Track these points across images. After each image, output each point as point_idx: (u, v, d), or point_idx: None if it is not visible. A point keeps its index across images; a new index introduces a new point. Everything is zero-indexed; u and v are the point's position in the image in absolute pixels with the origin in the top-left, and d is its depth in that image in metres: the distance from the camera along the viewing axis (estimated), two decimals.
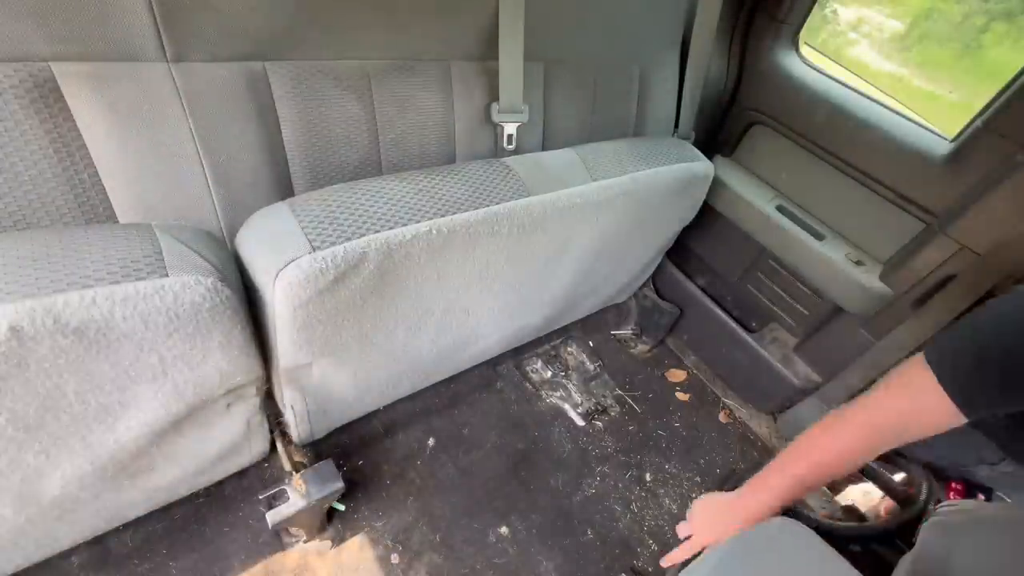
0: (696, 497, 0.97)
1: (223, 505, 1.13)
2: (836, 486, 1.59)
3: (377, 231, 0.78)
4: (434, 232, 0.83)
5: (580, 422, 1.50)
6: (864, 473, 1.31)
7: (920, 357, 0.73)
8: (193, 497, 1.10)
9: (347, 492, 1.09)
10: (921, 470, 1.09)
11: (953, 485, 1.15)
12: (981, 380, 0.68)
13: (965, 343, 0.70)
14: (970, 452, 1.11)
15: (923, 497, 1.04)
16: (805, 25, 1.32)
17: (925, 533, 0.77)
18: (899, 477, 1.19)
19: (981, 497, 1.12)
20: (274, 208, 0.78)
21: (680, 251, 1.65)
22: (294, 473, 1.02)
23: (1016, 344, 0.65)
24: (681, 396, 1.69)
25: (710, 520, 0.93)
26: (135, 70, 0.73)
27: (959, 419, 0.69)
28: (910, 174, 1.15)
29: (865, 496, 1.62)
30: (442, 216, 0.84)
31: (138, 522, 1.02)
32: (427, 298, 0.97)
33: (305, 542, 1.11)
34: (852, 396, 1.40)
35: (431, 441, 1.36)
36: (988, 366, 0.67)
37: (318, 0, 0.82)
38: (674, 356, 1.82)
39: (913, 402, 0.72)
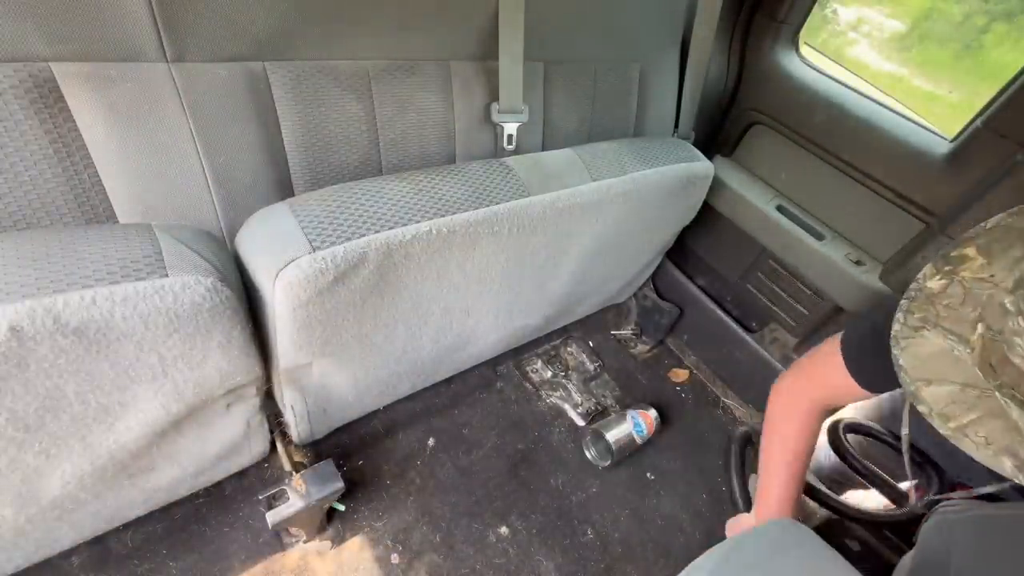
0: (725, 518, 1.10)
1: (223, 505, 1.13)
2: (836, 490, 1.59)
3: (377, 231, 0.78)
4: (434, 232, 0.83)
5: (580, 422, 1.50)
6: (867, 479, 1.29)
7: (836, 338, 0.81)
8: (193, 497, 1.10)
9: (347, 492, 1.09)
10: (929, 472, 1.09)
11: (955, 489, 1.14)
12: (875, 362, 0.73)
13: (866, 326, 0.77)
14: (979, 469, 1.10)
15: (931, 494, 1.04)
16: (805, 25, 1.32)
17: (925, 533, 0.77)
18: (904, 485, 1.19)
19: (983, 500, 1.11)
20: (274, 208, 0.77)
21: (680, 251, 1.65)
22: (294, 473, 1.02)
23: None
24: (681, 396, 1.69)
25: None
26: (135, 70, 0.73)
27: (865, 394, 0.79)
28: (910, 174, 1.15)
29: (866, 497, 1.61)
30: (442, 216, 0.84)
31: (138, 522, 1.02)
32: (427, 298, 0.97)
33: (305, 542, 1.11)
34: None
35: (431, 441, 1.36)
36: (881, 347, 0.70)
37: (318, 0, 0.82)
38: (674, 356, 1.82)
39: (828, 381, 0.84)
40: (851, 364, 0.78)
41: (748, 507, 1.31)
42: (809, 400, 0.90)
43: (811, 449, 0.95)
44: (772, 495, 0.96)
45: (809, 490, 1.31)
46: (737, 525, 1.04)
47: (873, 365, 0.76)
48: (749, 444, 1.30)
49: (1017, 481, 0.47)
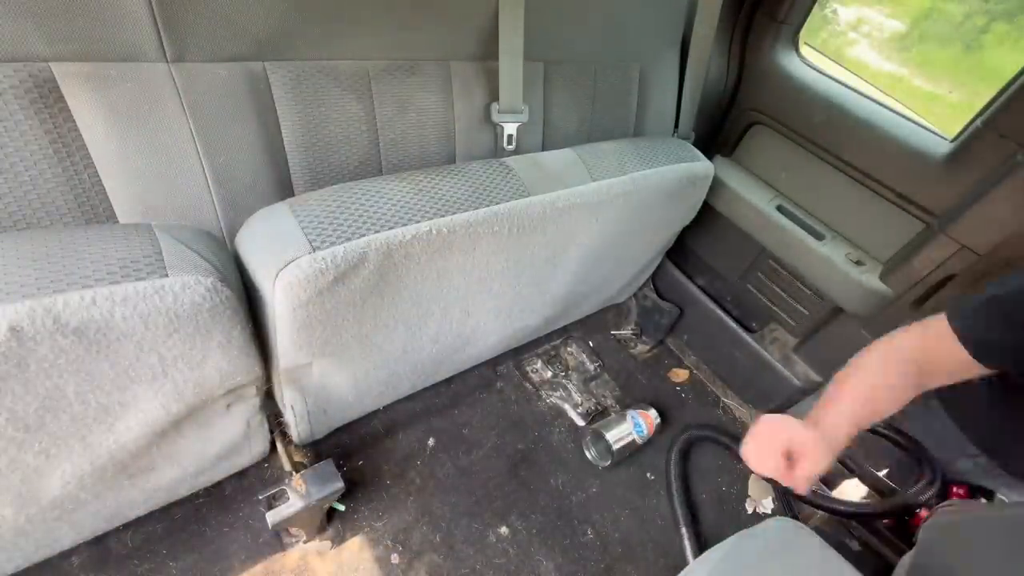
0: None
1: (223, 505, 1.13)
2: (831, 481, 1.60)
3: (377, 231, 0.78)
4: (434, 232, 0.83)
5: (580, 422, 1.50)
6: (853, 471, 1.30)
7: (943, 315, 0.77)
8: (193, 497, 1.10)
9: (347, 492, 1.09)
10: (926, 461, 1.10)
11: (955, 489, 1.15)
12: (997, 336, 0.72)
13: (982, 303, 0.74)
14: (951, 445, 1.11)
15: (922, 487, 1.04)
16: (805, 25, 1.32)
17: (925, 533, 0.77)
18: (884, 472, 1.20)
19: (983, 501, 1.12)
20: (274, 208, 0.77)
21: (680, 251, 1.65)
22: (294, 473, 1.02)
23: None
24: (681, 396, 1.69)
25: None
26: (135, 70, 0.73)
27: (974, 367, 0.74)
28: (910, 174, 1.15)
29: (857, 489, 1.62)
30: (442, 216, 0.84)
31: (138, 522, 1.02)
32: (427, 298, 0.97)
33: (305, 542, 1.11)
34: None
35: (431, 441, 1.36)
36: (1002, 324, 0.72)
37: (318, 0, 0.82)
38: (674, 356, 1.82)
39: (933, 343, 0.77)
40: (965, 333, 0.73)
41: (689, 525, 1.30)
42: (911, 358, 0.79)
43: (890, 402, 0.80)
44: (828, 416, 0.78)
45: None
46: (776, 425, 0.78)
47: (989, 334, 0.73)
48: (691, 447, 1.27)
49: None
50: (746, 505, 1.43)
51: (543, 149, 1.19)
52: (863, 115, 1.21)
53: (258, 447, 1.06)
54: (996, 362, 0.73)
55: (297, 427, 1.06)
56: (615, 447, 1.37)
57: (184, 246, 0.68)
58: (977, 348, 0.73)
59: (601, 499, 1.36)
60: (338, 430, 1.24)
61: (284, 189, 0.93)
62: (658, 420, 1.49)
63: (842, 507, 1.13)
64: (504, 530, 1.24)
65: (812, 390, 1.47)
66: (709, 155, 1.32)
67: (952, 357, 0.75)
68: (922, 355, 0.79)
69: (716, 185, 1.38)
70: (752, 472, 0.90)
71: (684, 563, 0.88)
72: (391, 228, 0.79)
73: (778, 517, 0.90)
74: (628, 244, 1.33)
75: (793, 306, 1.48)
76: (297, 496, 0.99)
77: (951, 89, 1.58)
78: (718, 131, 1.54)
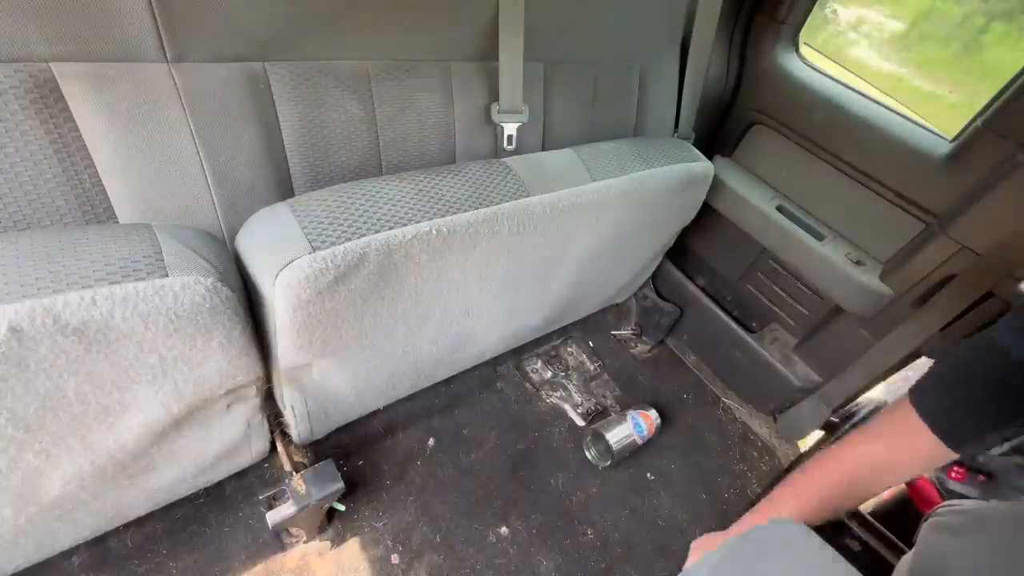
0: (696, 537, 0.99)
1: (223, 505, 1.13)
2: None
3: (377, 231, 0.78)
4: (434, 232, 0.83)
5: (580, 422, 1.50)
6: None
7: (906, 398, 0.75)
8: (193, 497, 1.09)
9: (347, 492, 1.09)
10: None
11: (955, 467, 1.14)
12: (963, 415, 0.69)
13: (945, 380, 0.72)
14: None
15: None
16: (805, 25, 1.32)
17: (925, 533, 0.77)
18: None
19: (982, 479, 1.11)
20: (274, 208, 0.78)
21: (680, 251, 1.65)
22: (294, 473, 1.02)
23: (988, 377, 0.67)
24: (681, 396, 1.69)
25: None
26: (135, 70, 0.73)
27: (947, 455, 0.71)
28: (910, 174, 1.16)
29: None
30: (442, 216, 0.84)
31: (138, 522, 1.02)
32: (427, 298, 0.97)
33: (305, 542, 1.11)
34: (852, 397, 1.41)
35: (431, 441, 1.36)
36: (968, 402, 0.69)
37: (318, 0, 0.82)
38: (674, 356, 1.82)
39: (900, 439, 0.75)
40: (929, 415, 0.71)
41: None
42: (856, 463, 0.79)
43: (824, 513, 0.82)
44: (774, 509, 0.85)
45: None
46: (705, 542, 0.93)
47: (957, 411, 0.70)
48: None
49: None
50: None
51: (543, 149, 1.20)
52: (863, 115, 1.21)
53: (258, 447, 1.06)
54: (965, 442, 0.70)
55: (297, 427, 1.06)
56: (615, 447, 1.37)
57: (184, 246, 0.68)
58: (945, 431, 0.70)
59: (601, 499, 1.36)
60: (338, 430, 1.24)
61: (284, 189, 0.93)
62: (658, 420, 1.49)
63: None
64: (504, 530, 1.24)
65: (812, 390, 1.47)
66: (709, 155, 1.32)
67: (925, 450, 0.72)
68: (891, 457, 0.76)
69: (716, 185, 1.38)
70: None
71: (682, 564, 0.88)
72: (391, 228, 0.79)
73: (778, 517, 0.90)
74: (628, 244, 1.33)
75: (793, 306, 1.48)
76: (297, 496, 0.99)
77: (951, 89, 1.58)
78: (718, 131, 1.54)
